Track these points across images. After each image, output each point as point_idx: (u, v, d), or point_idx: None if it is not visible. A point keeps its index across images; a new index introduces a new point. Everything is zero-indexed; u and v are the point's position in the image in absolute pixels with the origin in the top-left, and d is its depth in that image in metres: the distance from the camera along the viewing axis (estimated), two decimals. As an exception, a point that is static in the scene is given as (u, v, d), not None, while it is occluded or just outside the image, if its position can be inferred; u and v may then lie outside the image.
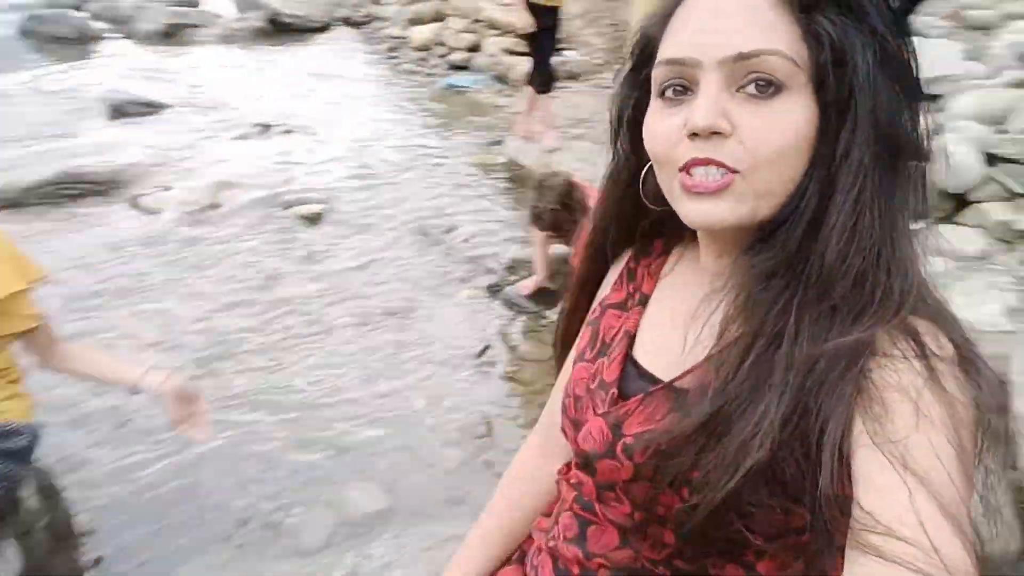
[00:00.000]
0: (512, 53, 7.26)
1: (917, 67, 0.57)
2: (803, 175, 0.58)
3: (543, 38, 4.56)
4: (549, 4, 4.51)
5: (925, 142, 0.58)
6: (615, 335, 0.75)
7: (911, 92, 0.57)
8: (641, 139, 0.66)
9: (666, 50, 0.61)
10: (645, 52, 0.67)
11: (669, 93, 0.61)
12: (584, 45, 7.62)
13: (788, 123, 0.56)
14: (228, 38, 8.98)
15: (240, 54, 8.35)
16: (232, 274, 3.66)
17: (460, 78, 7.40)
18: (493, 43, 7.53)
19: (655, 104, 0.63)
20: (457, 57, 7.94)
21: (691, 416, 0.57)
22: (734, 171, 0.57)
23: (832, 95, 0.56)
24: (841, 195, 0.56)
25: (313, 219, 4.27)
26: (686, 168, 0.59)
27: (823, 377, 0.53)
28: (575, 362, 0.77)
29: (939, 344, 0.54)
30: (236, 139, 5.56)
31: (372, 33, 9.40)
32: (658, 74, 0.62)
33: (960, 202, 3.27)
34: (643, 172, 0.70)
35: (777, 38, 0.56)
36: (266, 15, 9.34)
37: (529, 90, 5.00)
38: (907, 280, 0.56)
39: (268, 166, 4.98)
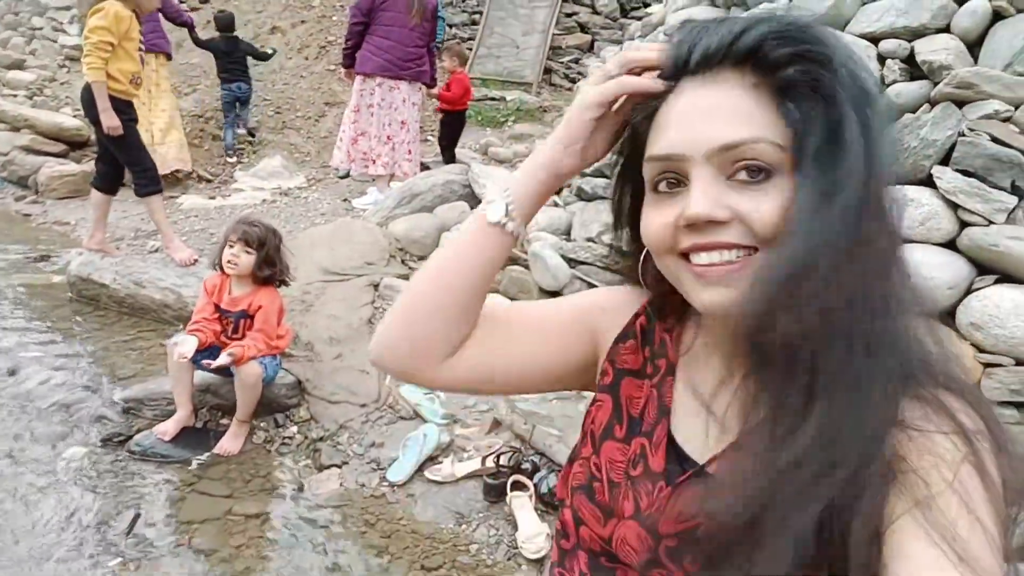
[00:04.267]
0: (34, 152, 5.94)
1: (892, 140, 0.64)
2: None
3: (130, 135, 3.87)
4: (127, 98, 3.90)
5: (899, 220, 0.59)
6: (644, 408, 0.70)
7: (888, 164, 0.58)
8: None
9: (654, 146, 0.62)
10: (635, 146, 0.68)
11: (663, 187, 0.62)
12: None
13: (786, 205, 0.56)
14: None
15: None
16: None
17: (-48, 178, 5.69)
18: (2, 139, 6.04)
19: (649, 198, 0.64)
20: (-61, 152, 6.09)
21: (732, 517, 0.54)
22: (752, 248, 0.57)
23: (819, 174, 0.56)
24: (843, 268, 0.55)
25: None
26: (687, 253, 0.59)
27: (856, 459, 0.52)
28: (600, 439, 0.70)
29: (972, 420, 0.55)
30: None
31: None
32: (649, 170, 0.63)
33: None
34: (641, 258, 0.73)
35: (759, 125, 0.57)
36: None
37: (97, 195, 4.16)
38: (911, 348, 0.57)
39: None
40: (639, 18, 7.03)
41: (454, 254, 0.73)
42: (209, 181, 6.40)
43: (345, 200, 5.78)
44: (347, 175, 6.14)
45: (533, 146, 7.03)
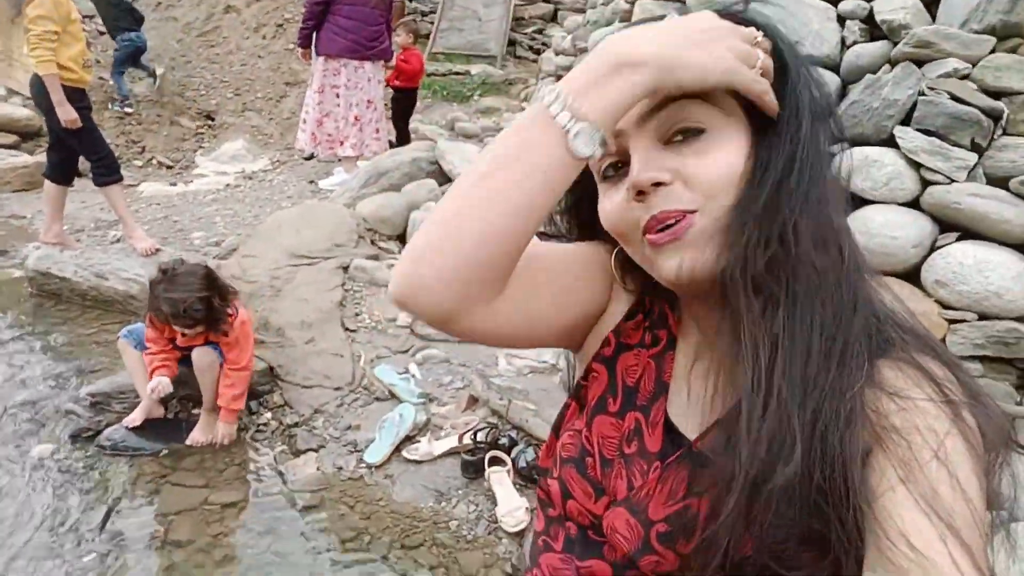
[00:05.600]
0: (-16, 144, 5.74)
1: (830, 100, 0.62)
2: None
3: (86, 124, 3.75)
4: (78, 85, 3.76)
5: (842, 174, 0.62)
6: (640, 379, 0.68)
7: (827, 122, 0.61)
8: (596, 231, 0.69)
9: None
10: None
11: (609, 172, 0.64)
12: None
13: (723, 155, 0.58)
14: None
15: None
16: None
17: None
18: (-51, 131, 5.83)
19: (600, 188, 0.65)
20: None
21: (724, 498, 0.54)
22: (691, 211, 0.58)
23: (758, 124, 0.59)
24: (791, 227, 0.56)
25: None
26: (647, 230, 0.60)
27: (839, 423, 0.53)
28: (593, 412, 0.68)
29: (955, 385, 0.56)
30: None
31: None
32: (593, 161, 0.61)
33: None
34: (611, 259, 0.72)
35: None
36: None
37: (52, 187, 4.03)
38: (878, 307, 0.60)
39: None
40: (602, -14, 6.92)
41: (503, 151, 0.58)
42: (170, 167, 6.25)
43: (311, 182, 5.69)
44: (312, 156, 6.03)
45: (501, 120, 6.95)
